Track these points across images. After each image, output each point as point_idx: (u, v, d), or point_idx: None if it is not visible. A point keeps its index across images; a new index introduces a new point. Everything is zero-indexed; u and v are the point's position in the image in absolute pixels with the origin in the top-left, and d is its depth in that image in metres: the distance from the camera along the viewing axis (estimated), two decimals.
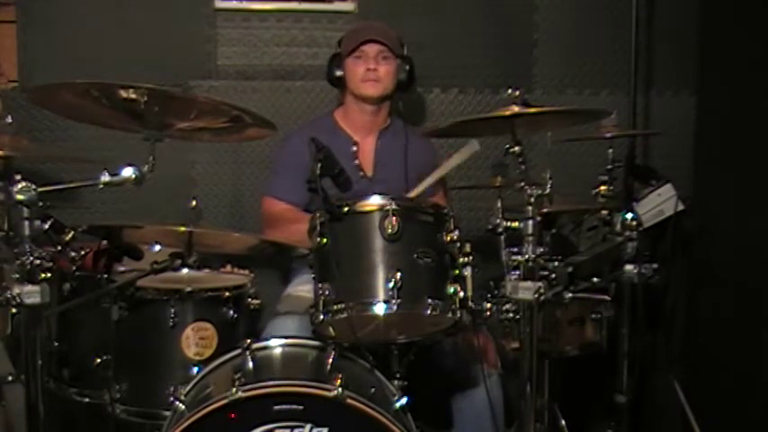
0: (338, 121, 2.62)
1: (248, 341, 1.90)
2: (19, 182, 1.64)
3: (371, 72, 2.48)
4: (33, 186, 1.65)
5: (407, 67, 2.54)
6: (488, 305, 1.91)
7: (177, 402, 1.85)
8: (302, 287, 2.38)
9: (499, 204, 1.95)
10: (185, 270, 2.11)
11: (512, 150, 1.87)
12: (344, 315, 1.79)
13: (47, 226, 1.70)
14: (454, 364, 2.34)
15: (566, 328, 2.32)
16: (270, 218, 2.53)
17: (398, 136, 2.58)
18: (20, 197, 1.63)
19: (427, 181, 2.33)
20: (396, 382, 1.94)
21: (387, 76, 2.50)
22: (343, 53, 2.53)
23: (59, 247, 1.76)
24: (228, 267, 2.36)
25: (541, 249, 1.84)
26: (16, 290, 1.65)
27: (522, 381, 1.87)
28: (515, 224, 1.86)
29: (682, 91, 3.12)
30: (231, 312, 2.13)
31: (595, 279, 2.23)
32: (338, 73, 2.54)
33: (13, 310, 1.67)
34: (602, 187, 2.42)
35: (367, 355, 1.95)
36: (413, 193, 2.28)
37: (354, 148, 2.56)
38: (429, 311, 1.81)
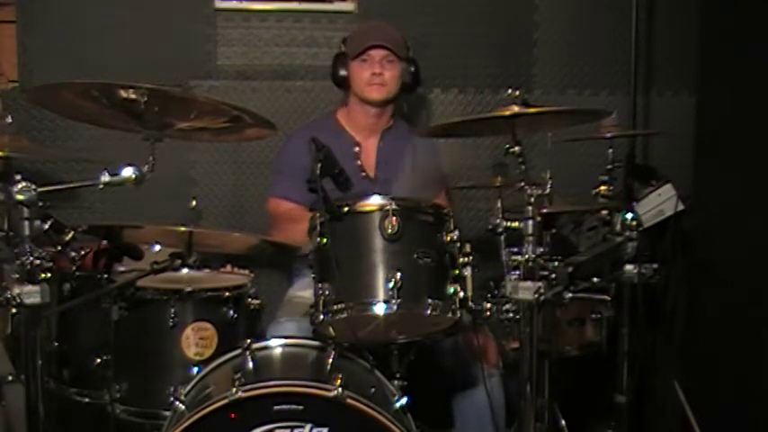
0: (341, 121, 2.61)
1: (248, 341, 1.90)
2: (19, 182, 1.64)
3: (377, 77, 2.47)
4: (33, 186, 1.65)
5: (412, 69, 2.54)
6: (488, 305, 1.91)
7: (177, 402, 1.85)
8: (302, 292, 2.37)
9: (499, 204, 1.95)
10: (185, 270, 2.11)
11: (512, 150, 1.87)
12: (344, 315, 1.79)
13: (47, 226, 1.70)
14: (454, 364, 2.34)
15: (566, 328, 2.32)
16: (276, 218, 2.53)
17: (402, 137, 2.57)
18: (20, 197, 1.63)
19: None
20: (396, 382, 1.94)
21: (392, 80, 2.49)
22: (348, 55, 2.53)
23: (59, 247, 1.76)
24: (228, 267, 2.36)
25: (541, 249, 1.84)
26: (16, 290, 1.65)
27: (522, 381, 1.87)
28: (515, 224, 1.86)
29: (682, 91, 3.12)
30: (231, 312, 2.13)
31: (595, 279, 2.23)
32: (343, 74, 2.53)
33: (13, 310, 1.67)
34: (602, 187, 2.42)
35: (367, 355, 1.95)
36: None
37: (357, 149, 2.56)
38: (429, 311, 1.81)
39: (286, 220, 2.44)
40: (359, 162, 2.54)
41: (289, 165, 2.49)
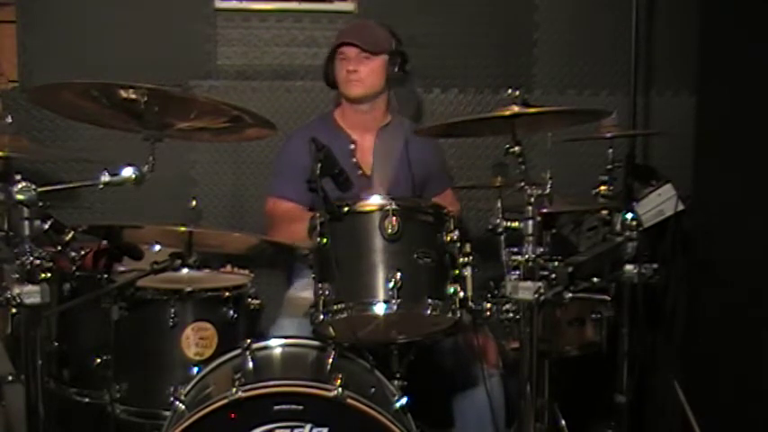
0: (337, 120, 2.61)
1: (248, 341, 1.90)
2: (19, 182, 1.64)
3: (352, 73, 2.48)
4: (33, 186, 1.65)
5: (398, 61, 2.51)
6: (488, 305, 1.91)
7: (177, 402, 1.85)
8: (303, 292, 2.37)
9: (499, 204, 1.95)
10: (185, 270, 2.11)
11: (512, 150, 1.87)
12: (344, 315, 1.79)
13: (47, 226, 1.70)
14: (454, 364, 2.34)
15: (566, 328, 2.32)
16: (275, 218, 2.52)
17: (399, 133, 2.57)
18: (20, 197, 1.63)
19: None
20: (396, 382, 1.94)
21: (369, 75, 2.48)
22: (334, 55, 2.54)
23: (59, 247, 1.76)
24: (228, 267, 2.36)
25: (541, 249, 1.84)
26: (16, 290, 1.65)
27: (522, 381, 1.87)
28: (515, 224, 1.86)
29: (682, 91, 3.12)
30: (231, 312, 2.13)
31: (595, 279, 2.23)
32: (330, 73, 2.55)
33: (13, 310, 1.67)
34: (602, 187, 2.42)
35: (367, 355, 1.95)
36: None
37: (352, 147, 2.56)
38: (429, 311, 1.81)
39: (285, 221, 2.44)
40: (355, 160, 2.54)
41: (288, 165, 2.49)
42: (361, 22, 2.66)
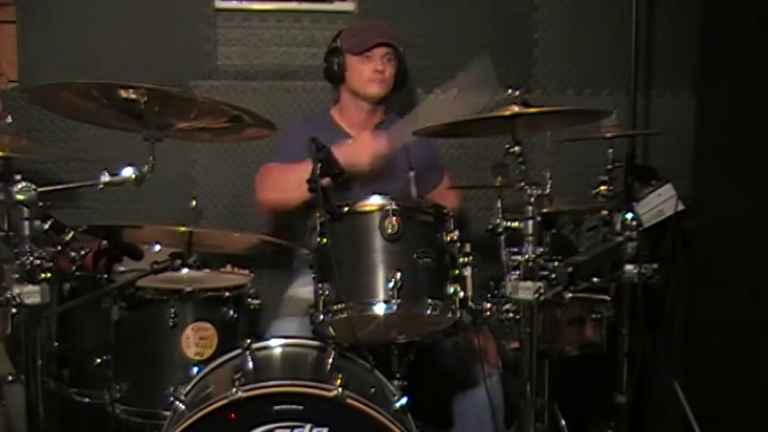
0: (335, 117, 2.62)
1: (248, 341, 1.90)
2: (19, 182, 1.64)
3: (379, 74, 2.48)
4: (33, 186, 1.65)
5: (402, 66, 2.56)
6: (488, 305, 1.91)
7: (177, 402, 1.85)
8: (303, 288, 2.37)
9: (499, 204, 1.95)
10: (185, 270, 2.10)
11: (512, 150, 1.87)
12: (344, 315, 1.79)
13: (47, 226, 1.70)
14: (454, 364, 2.34)
15: (566, 328, 2.32)
16: (265, 179, 2.48)
17: None
18: (20, 197, 1.63)
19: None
20: (396, 382, 1.94)
21: (391, 77, 2.52)
22: (344, 50, 2.52)
23: (59, 247, 1.76)
24: (228, 267, 2.36)
25: (541, 249, 1.84)
26: (16, 290, 1.65)
27: (522, 381, 1.87)
28: (515, 224, 1.86)
29: (682, 91, 3.12)
30: (231, 312, 2.13)
31: (595, 279, 2.23)
32: (338, 69, 2.53)
33: (13, 310, 1.67)
34: (602, 187, 2.42)
35: (367, 355, 1.95)
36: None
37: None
38: (429, 311, 1.81)
39: (274, 176, 2.42)
40: None
41: (284, 148, 2.47)
42: (379, 23, 2.64)
